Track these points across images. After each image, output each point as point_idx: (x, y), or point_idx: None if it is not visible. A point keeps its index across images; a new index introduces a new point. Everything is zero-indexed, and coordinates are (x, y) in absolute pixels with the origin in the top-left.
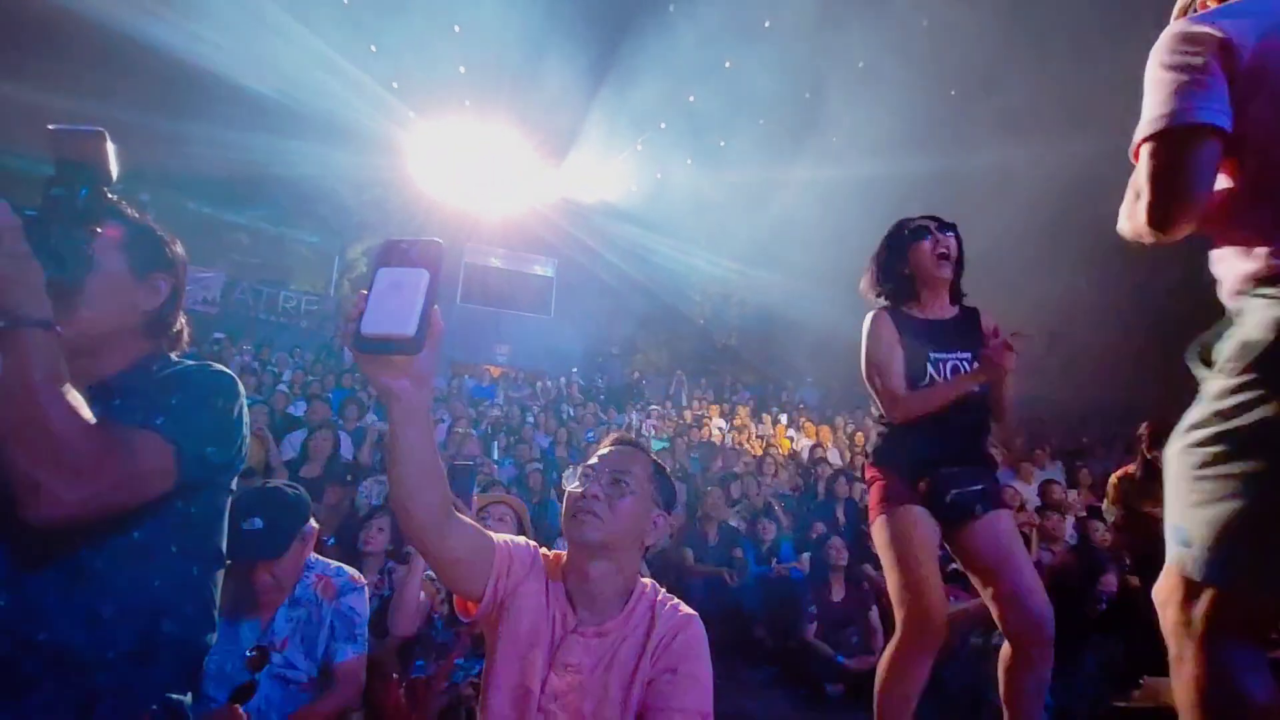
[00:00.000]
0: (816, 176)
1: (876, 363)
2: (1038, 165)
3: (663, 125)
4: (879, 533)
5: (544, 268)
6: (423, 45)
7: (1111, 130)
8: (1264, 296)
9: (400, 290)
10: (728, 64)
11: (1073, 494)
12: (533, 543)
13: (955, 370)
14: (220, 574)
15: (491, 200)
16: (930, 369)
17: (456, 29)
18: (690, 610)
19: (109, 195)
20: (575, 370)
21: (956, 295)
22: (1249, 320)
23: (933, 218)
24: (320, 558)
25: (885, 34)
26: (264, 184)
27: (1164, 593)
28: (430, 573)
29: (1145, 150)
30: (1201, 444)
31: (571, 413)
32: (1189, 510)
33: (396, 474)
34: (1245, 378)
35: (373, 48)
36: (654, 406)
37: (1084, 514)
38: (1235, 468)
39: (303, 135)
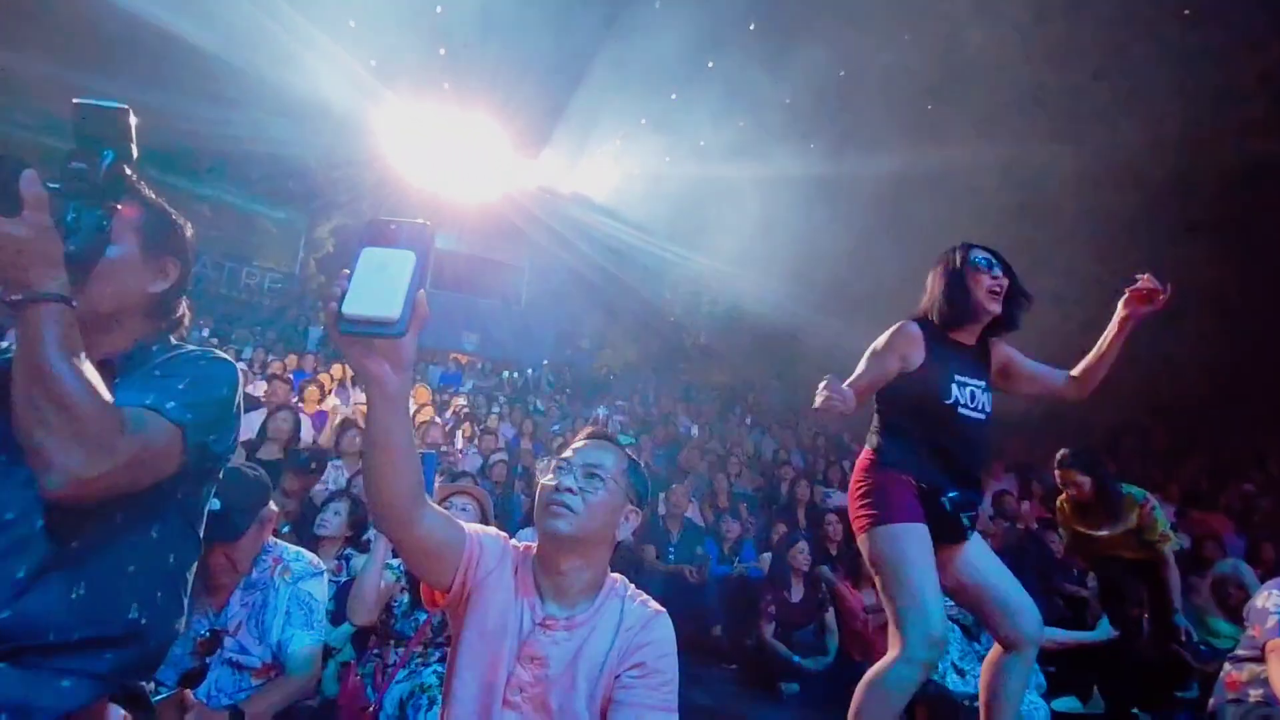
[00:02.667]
0: (794, 177)
1: (873, 353)
2: (1013, 166)
3: (643, 121)
4: (879, 545)
5: (517, 257)
6: (403, 24)
7: (1092, 127)
8: None
9: (385, 272)
10: (710, 64)
11: (1025, 505)
12: (503, 534)
13: (973, 396)
14: (195, 563)
15: (467, 186)
16: (955, 389)
17: (439, 10)
18: (659, 607)
19: (129, 173)
20: (545, 363)
21: (998, 328)
22: None
23: (993, 253)
24: (279, 541)
25: (868, 37)
26: (231, 157)
27: None
28: (392, 560)
29: None
30: None
31: (539, 405)
32: None
33: (371, 460)
34: None
35: (351, 23)
36: (621, 402)
37: (1035, 526)
38: None
39: (272, 108)
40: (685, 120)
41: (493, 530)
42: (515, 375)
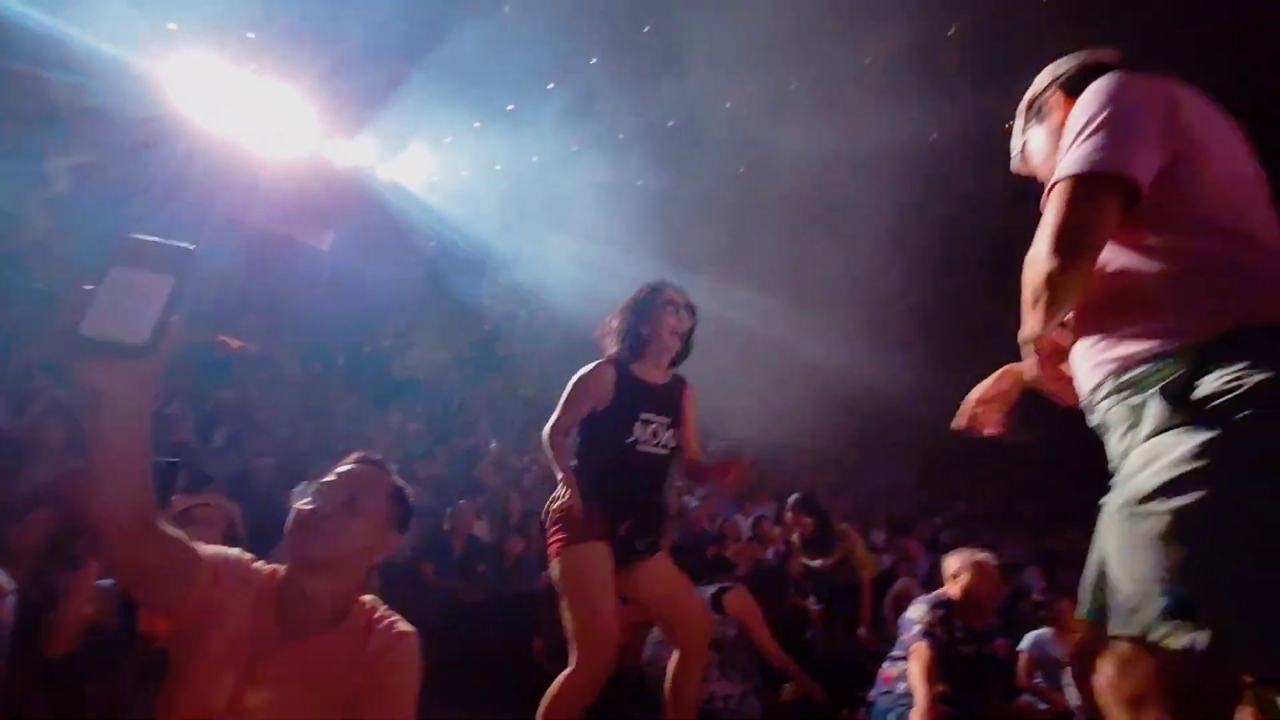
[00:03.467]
0: (622, 187)
1: (569, 398)
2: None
3: (477, 125)
4: (561, 567)
5: (317, 238)
6: None
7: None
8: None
9: (135, 294)
10: (551, 86)
11: (777, 530)
12: (246, 554)
13: (655, 434)
14: None
15: (266, 151)
16: (637, 427)
17: None
18: (407, 627)
19: None
20: (341, 361)
21: (675, 363)
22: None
23: (682, 293)
24: None
25: (701, 83)
26: None
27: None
28: (103, 581)
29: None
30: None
31: (326, 406)
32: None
33: (94, 476)
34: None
35: None
36: (420, 409)
37: (783, 548)
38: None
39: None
40: (520, 132)
41: (233, 551)
42: (301, 368)
